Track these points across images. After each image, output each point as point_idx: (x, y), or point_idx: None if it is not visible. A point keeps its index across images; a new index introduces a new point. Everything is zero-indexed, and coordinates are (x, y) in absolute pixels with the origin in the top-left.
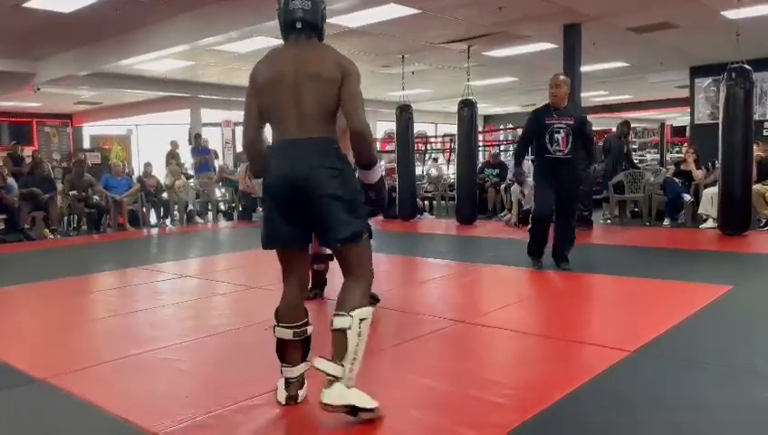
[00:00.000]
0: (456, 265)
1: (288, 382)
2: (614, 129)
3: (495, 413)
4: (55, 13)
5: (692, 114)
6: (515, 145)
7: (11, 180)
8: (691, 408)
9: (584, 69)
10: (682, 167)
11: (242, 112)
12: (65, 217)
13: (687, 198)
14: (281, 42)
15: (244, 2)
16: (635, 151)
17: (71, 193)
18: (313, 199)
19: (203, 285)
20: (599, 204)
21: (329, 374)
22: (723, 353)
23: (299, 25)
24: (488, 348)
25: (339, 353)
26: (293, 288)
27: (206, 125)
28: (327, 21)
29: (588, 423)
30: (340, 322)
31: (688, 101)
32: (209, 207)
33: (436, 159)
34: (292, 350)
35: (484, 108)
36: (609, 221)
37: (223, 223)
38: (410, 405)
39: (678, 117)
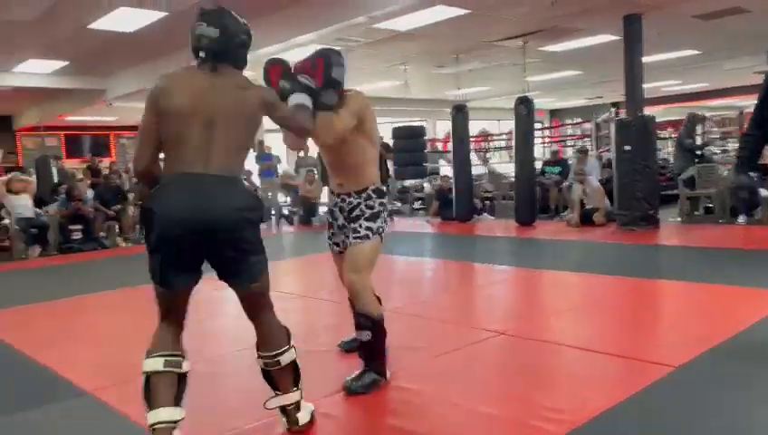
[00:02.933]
0: (507, 270)
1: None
2: None
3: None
4: (120, 33)
5: None
6: (747, 137)
7: (88, 192)
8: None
9: (651, 59)
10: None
11: None
12: (137, 225)
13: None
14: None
15: (298, 12)
16: (714, 142)
17: (140, 203)
18: (222, 243)
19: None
20: (670, 201)
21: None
22: None
23: (205, 54)
24: (523, 362)
25: (294, 381)
26: (172, 327)
27: (269, 131)
28: (377, 26)
29: None
30: (290, 355)
31: None
32: (272, 213)
33: (487, 160)
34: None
35: (549, 102)
36: (679, 219)
37: (285, 228)
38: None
39: None
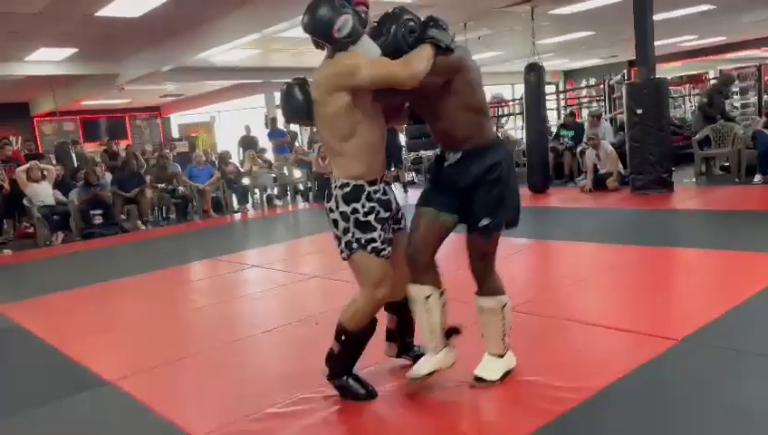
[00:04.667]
0: (516, 241)
1: None
2: (710, 73)
3: (515, 416)
4: (126, 18)
5: None
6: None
7: (106, 175)
8: (728, 407)
9: (665, 15)
10: None
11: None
12: (155, 208)
13: None
14: None
15: None
16: (736, 95)
17: (158, 186)
18: None
19: (263, 276)
20: (688, 160)
21: None
22: None
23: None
24: (529, 338)
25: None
26: None
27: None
28: None
29: (614, 422)
30: None
31: None
32: (287, 190)
33: (501, 127)
34: None
35: (563, 63)
36: (694, 180)
37: (300, 205)
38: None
39: None
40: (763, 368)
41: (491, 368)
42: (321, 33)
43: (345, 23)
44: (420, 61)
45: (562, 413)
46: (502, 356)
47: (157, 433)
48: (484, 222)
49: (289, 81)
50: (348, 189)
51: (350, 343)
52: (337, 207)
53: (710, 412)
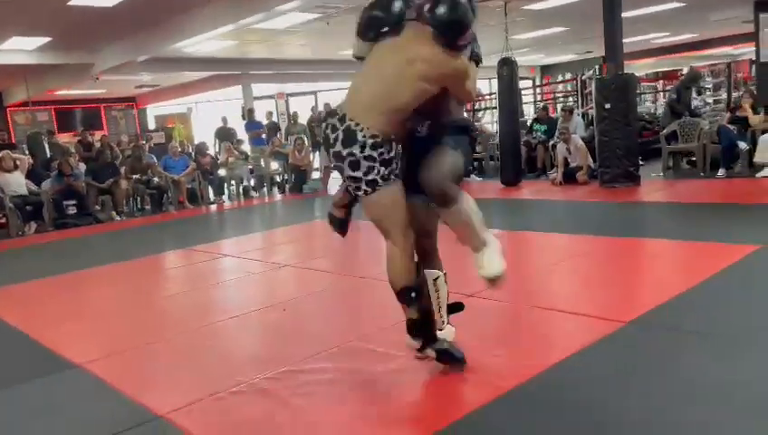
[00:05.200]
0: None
1: None
2: (683, 69)
3: (468, 390)
4: (100, 7)
5: (757, 52)
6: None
7: (80, 166)
8: (670, 385)
9: (636, 12)
10: (738, 113)
11: (292, 84)
12: (131, 199)
13: (743, 145)
14: (312, 15)
15: None
16: (709, 91)
17: (132, 177)
18: None
19: (236, 265)
20: (656, 155)
21: None
22: (719, 322)
23: None
24: (485, 324)
25: None
26: None
27: (258, 99)
28: None
29: (559, 401)
30: None
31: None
32: (264, 182)
33: (478, 121)
34: None
35: (539, 59)
36: (662, 174)
37: (276, 196)
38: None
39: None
40: (701, 346)
41: (488, 262)
42: (454, 34)
43: (473, 35)
44: (475, 84)
45: (512, 388)
46: (486, 246)
47: (123, 412)
48: None
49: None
50: (378, 139)
51: (421, 294)
52: (362, 151)
53: (649, 386)
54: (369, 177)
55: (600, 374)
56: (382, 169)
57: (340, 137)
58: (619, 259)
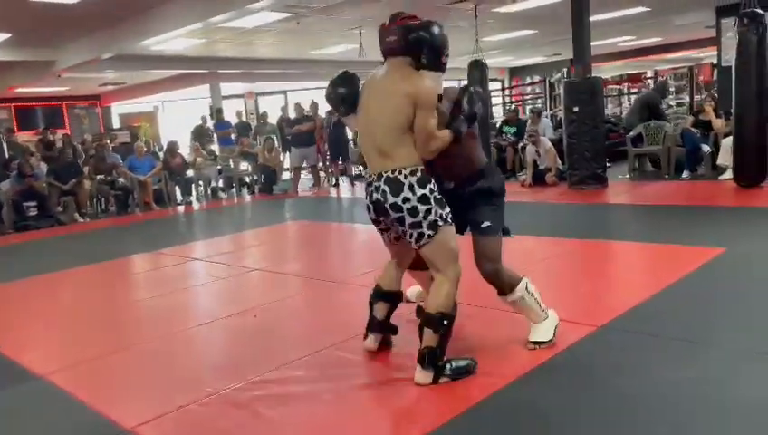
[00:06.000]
0: None
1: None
2: (647, 72)
3: (435, 403)
4: (63, 3)
5: (718, 57)
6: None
7: (41, 166)
8: (642, 386)
9: (603, 17)
10: (701, 117)
11: (262, 83)
12: (94, 200)
13: (706, 148)
14: (282, 15)
15: None
16: (671, 94)
17: (96, 177)
18: None
19: (205, 269)
20: (623, 157)
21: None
22: (690, 327)
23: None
24: (457, 328)
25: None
26: None
27: (226, 98)
28: None
29: (533, 408)
30: None
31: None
32: (232, 182)
33: None
34: None
35: (507, 61)
36: (628, 176)
37: (245, 197)
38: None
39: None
40: (676, 350)
41: (541, 331)
42: (434, 51)
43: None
44: (442, 141)
45: (484, 398)
46: (546, 319)
47: (88, 427)
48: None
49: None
50: (419, 174)
51: (450, 327)
52: (414, 194)
53: (626, 392)
54: (430, 218)
55: (572, 380)
56: (439, 209)
57: (388, 190)
58: (589, 262)
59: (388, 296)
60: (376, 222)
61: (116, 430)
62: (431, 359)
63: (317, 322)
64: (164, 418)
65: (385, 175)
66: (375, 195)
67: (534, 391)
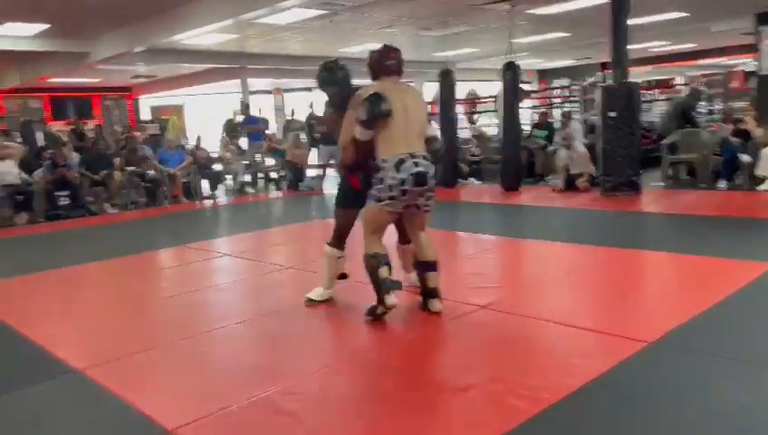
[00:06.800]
0: (490, 239)
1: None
2: (678, 78)
3: (494, 410)
4: None
5: (759, 65)
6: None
7: (74, 156)
8: (699, 410)
9: (639, 21)
10: (740, 126)
11: (288, 80)
12: (124, 191)
13: (745, 158)
14: (316, 12)
15: None
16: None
17: (127, 168)
18: None
19: (235, 265)
20: (655, 164)
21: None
22: (749, 346)
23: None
24: (503, 337)
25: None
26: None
27: (254, 93)
28: None
29: (585, 426)
30: None
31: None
32: (259, 178)
33: (474, 123)
34: None
35: (537, 63)
36: (662, 184)
37: (272, 193)
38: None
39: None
40: (733, 371)
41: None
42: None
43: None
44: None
45: (538, 413)
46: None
47: (130, 427)
48: None
49: None
50: None
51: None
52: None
53: (682, 416)
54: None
55: (630, 400)
56: None
57: (429, 164)
58: (630, 273)
59: (425, 265)
60: (406, 193)
61: (158, 431)
62: (439, 292)
63: (353, 323)
64: (205, 420)
65: (422, 154)
66: (418, 168)
67: (585, 410)
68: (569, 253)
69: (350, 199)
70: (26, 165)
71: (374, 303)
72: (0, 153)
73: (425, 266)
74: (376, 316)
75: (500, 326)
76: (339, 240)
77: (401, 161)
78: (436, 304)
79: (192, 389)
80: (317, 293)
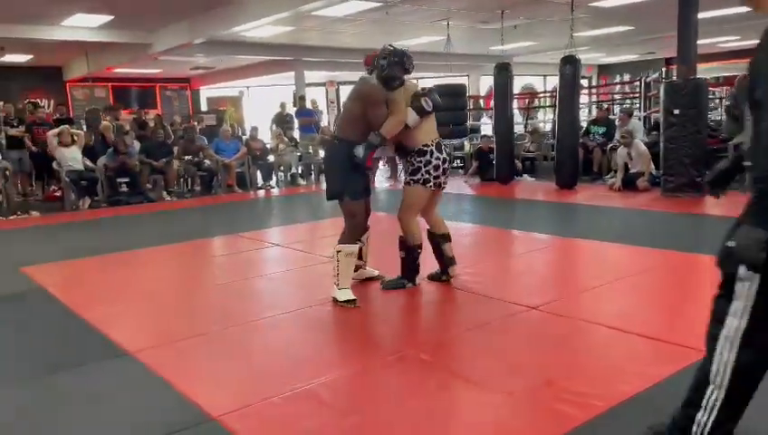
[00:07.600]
0: (544, 238)
1: None
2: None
3: (544, 416)
4: None
5: None
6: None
7: (135, 144)
8: (761, 426)
9: (707, 14)
10: None
11: (344, 73)
12: (181, 180)
13: None
14: (373, 4)
15: None
16: None
17: (184, 157)
18: None
19: (286, 256)
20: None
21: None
22: None
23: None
24: (553, 340)
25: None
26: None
27: (309, 85)
28: None
29: None
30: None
31: None
32: (312, 169)
33: (531, 118)
34: None
35: (597, 57)
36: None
37: (324, 185)
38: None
39: None
40: None
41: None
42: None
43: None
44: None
45: (589, 420)
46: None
47: (175, 410)
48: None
49: None
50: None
51: (410, 250)
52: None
53: (739, 430)
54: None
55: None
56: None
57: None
58: (688, 277)
59: (445, 236)
60: (446, 172)
61: (202, 418)
62: (455, 259)
63: (395, 320)
64: (248, 409)
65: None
66: (444, 154)
67: (637, 420)
68: (625, 254)
69: (362, 190)
70: (91, 152)
71: (396, 278)
72: (67, 139)
73: (444, 238)
74: (397, 288)
75: (550, 328)
76: (357, 233)
77: (440, 145)
78: (454, 269)
79: (237, 377)
80: (345, 294)
